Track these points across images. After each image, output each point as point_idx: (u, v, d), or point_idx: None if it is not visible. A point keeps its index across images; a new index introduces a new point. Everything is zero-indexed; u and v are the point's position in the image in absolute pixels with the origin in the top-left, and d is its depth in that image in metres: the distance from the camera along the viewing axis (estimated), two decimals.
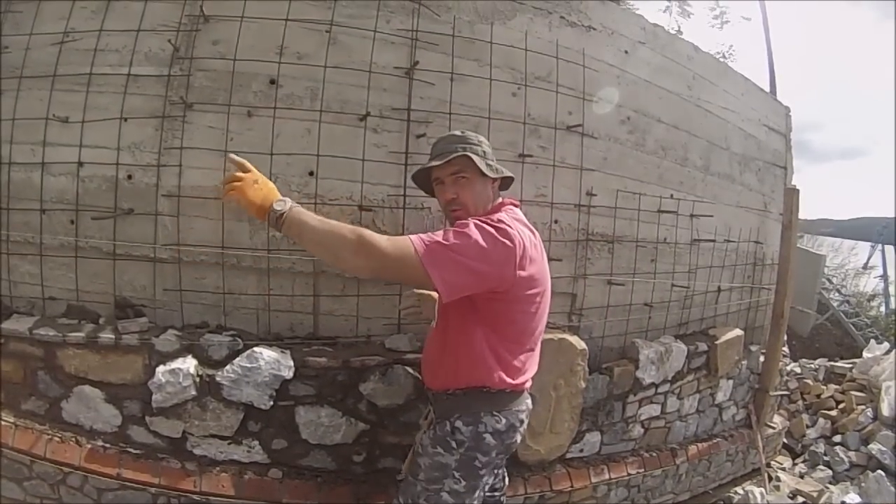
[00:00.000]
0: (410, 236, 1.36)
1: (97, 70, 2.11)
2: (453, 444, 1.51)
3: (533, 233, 1.56)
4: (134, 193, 2.10)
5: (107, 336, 1.98)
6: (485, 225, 1.40)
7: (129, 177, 2.10)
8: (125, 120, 2.09)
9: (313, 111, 2.12)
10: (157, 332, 2.04)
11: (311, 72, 2.13)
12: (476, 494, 1.55)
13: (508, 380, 1.53)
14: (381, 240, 1.33)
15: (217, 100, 2.10)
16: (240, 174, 1.43)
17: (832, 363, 5.22)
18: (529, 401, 1.65)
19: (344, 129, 2.15)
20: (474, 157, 1.55)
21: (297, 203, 1.43)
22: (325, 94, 2.13)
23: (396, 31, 2.20)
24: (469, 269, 1.35)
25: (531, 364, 1.63)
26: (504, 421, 1.54)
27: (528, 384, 1.62)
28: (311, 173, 2.13)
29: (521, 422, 1.60)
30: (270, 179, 2.06)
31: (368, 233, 1.34)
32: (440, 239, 1.35)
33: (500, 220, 1.43)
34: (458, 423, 1.52)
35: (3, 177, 2.13)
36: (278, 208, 1.37)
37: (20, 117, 2.13)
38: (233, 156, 1.48)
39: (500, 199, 1.66)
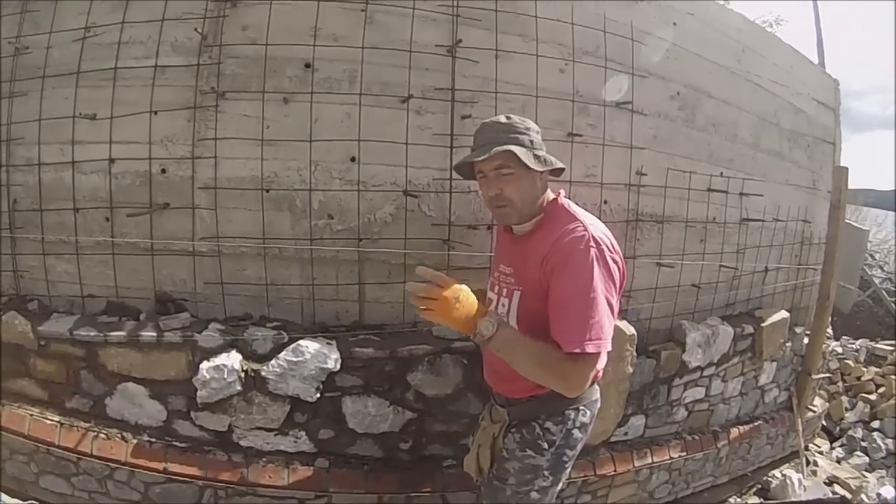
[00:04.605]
0: (569, 349, 1.27)
1: (122, 64, 2.05)
2: (545, 446, 1.48)
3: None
4: (169, 187, 2.05)
5: (148, 334, 1.96)
6: (598, 263, 1.31)
7: (164, 171, 2.05)
8: (155, 113, 2.04)
9: (352, 94, 2.04)
10: (199, 326, 2.01)
11: (348, 53, 2.04)
12: (559, 486, 1.58)
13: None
14: (569, 369, 1.29)
15: (251, 87, 2.03)
16: (437, 292, 1.27)
17: (873, 344, 5.15)
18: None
19: (385, 111, 2.06)
20: (519, 150, 1.37)
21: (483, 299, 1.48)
22: (364, 77, 2.05)
23: (436, 7, 2.09)
24: (610, 316, 1.33)
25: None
26: (589, 413, 1.54)
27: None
28: (352, 159, 2.06)
29: (598, 409, 1.62)
30: (310, 167, 2.04)
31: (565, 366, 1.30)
32: (587, 318, 1.27)
33: (599, 241, 1.33)
34: (548, 424, 1.48)
35: (33, 178, 2.11)
36: (486, 333, 1.29)
37: (46, 117, 2.09)
38: (423, 269, 1.30)
39: (551, 195, 1.50)
